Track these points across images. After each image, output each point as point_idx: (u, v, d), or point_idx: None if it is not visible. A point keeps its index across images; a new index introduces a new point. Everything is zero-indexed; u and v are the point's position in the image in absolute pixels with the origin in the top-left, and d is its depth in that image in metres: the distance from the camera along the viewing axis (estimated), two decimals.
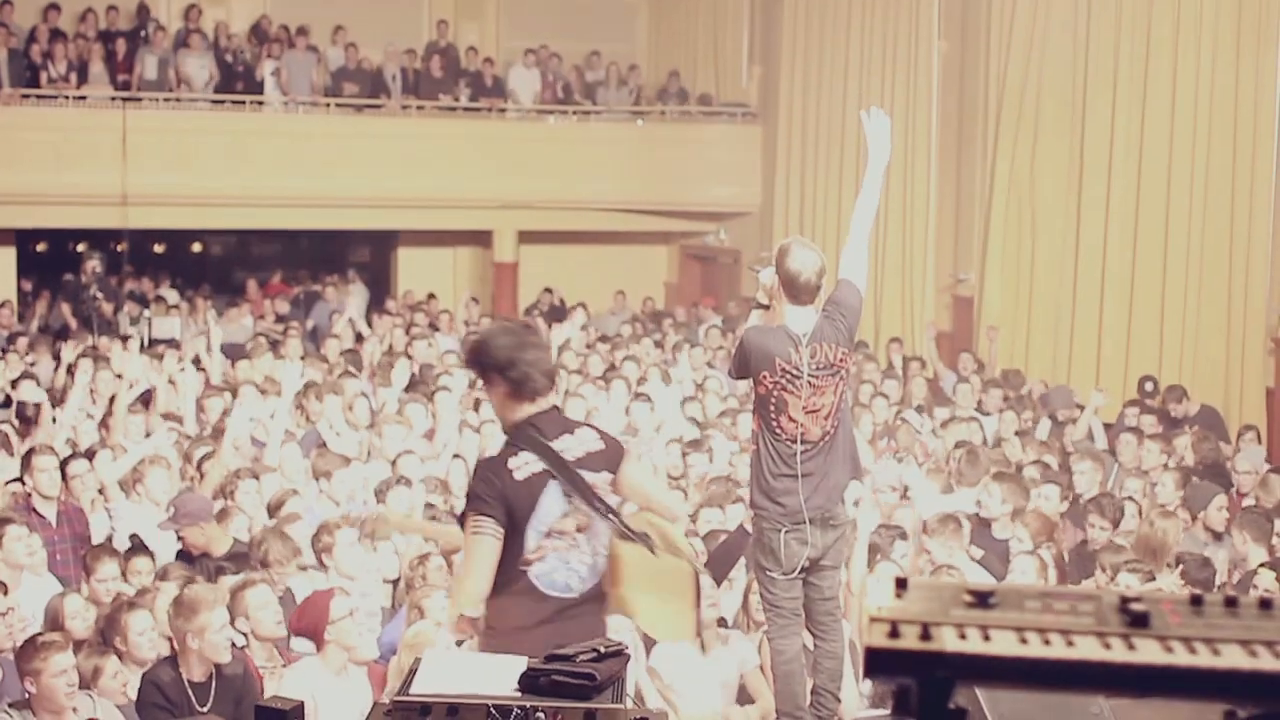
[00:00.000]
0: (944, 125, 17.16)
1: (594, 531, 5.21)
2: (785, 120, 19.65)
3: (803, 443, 6.19)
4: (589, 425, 5.47)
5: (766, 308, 6.39)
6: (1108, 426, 12.52)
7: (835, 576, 6.43)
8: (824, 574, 6.33)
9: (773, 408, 6.20)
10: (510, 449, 5.21)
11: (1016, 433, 11.64)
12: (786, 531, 6.18)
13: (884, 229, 17.40)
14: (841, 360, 6.26)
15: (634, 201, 20.91)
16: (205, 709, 5.94)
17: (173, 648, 6.18)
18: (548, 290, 20.63)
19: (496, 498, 5.10)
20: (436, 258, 22.57)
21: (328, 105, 20.15)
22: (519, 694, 4.22)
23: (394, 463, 9.62)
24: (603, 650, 4.44)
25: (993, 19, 16.00)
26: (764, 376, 6.17)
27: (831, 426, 6.27)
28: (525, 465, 5.12)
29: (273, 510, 8.39)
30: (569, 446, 5.19)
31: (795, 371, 6.14)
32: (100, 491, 8.93)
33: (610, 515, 5.23)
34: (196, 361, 13.03)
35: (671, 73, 22.16)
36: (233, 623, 6.30)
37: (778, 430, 6.20)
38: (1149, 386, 13.38)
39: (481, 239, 21.77)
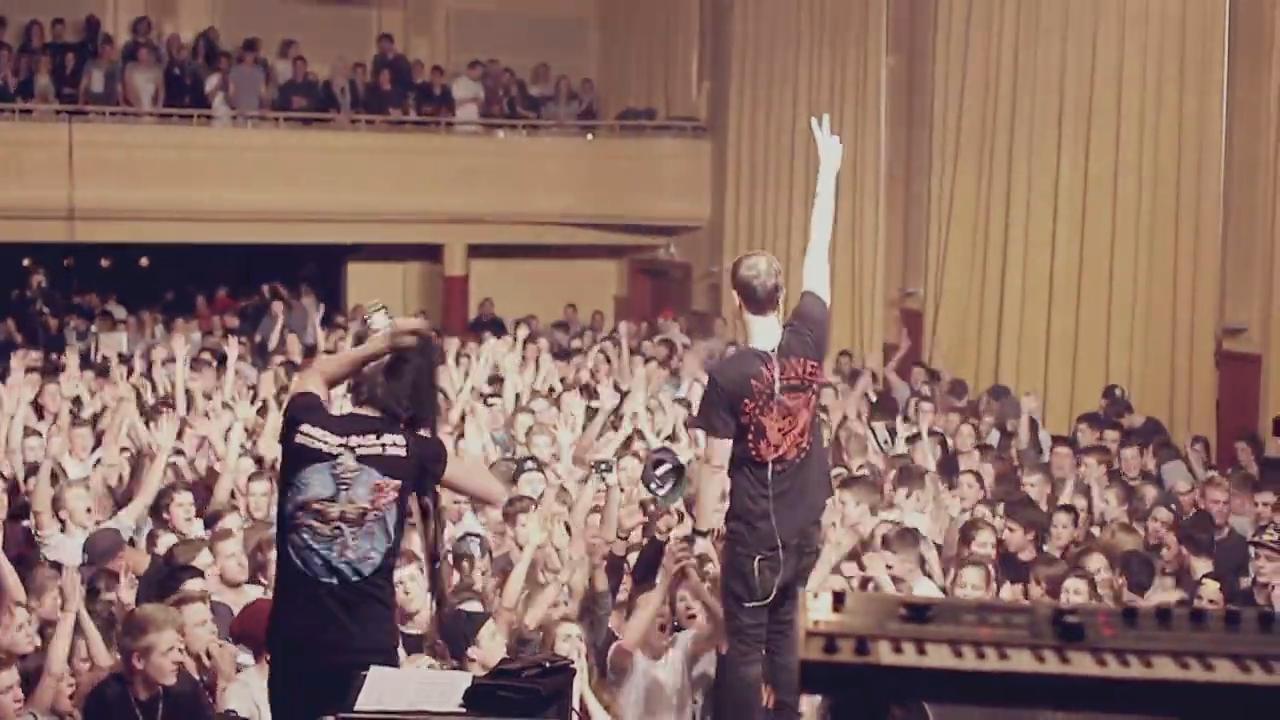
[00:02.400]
0: (892, 140, 17.24)
1: (366, 530, 5.17)
2: (735, 134, 19.70)
3: (779, 463, 6.08)
4: (405, 434, 5.35)
5: None
6: (1063, 439, 12.51)
7: (795, 599, 6.27)
8: (784, 597, 6.23)
9: (751, 434, 6.05)
10: (313, 417, 5.32)
11: (977, 446, 11.62)
12: (761, 559, 6.10)
13: (833, 244, 17.29)
14: (811, 374, 6.15)
15: (584, 215, 20.93)
16: None
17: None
18: (487, 300, 20.61)
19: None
20: (386, 272, 22.50)
21: (276, 119, 20.08)
22: (464, 710, 4.22)
23: None
24: (548, 665, 4.45)
25: (939, 36, 16.08)
26: (745, 404, 6.02)
27: (806, 444, 6.15)
28: (308, 436, 5.23)
29: (210, 523, 8.32)
30: (367, 443, 5.22)
31: (769, 391, 6.01)
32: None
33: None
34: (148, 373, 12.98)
35: (621, 87, 22.22)
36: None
37: (756, 457, 6.07)
38: (1117, 394, 13.46)
39: (431, 253, 21.73)
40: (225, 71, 19.97)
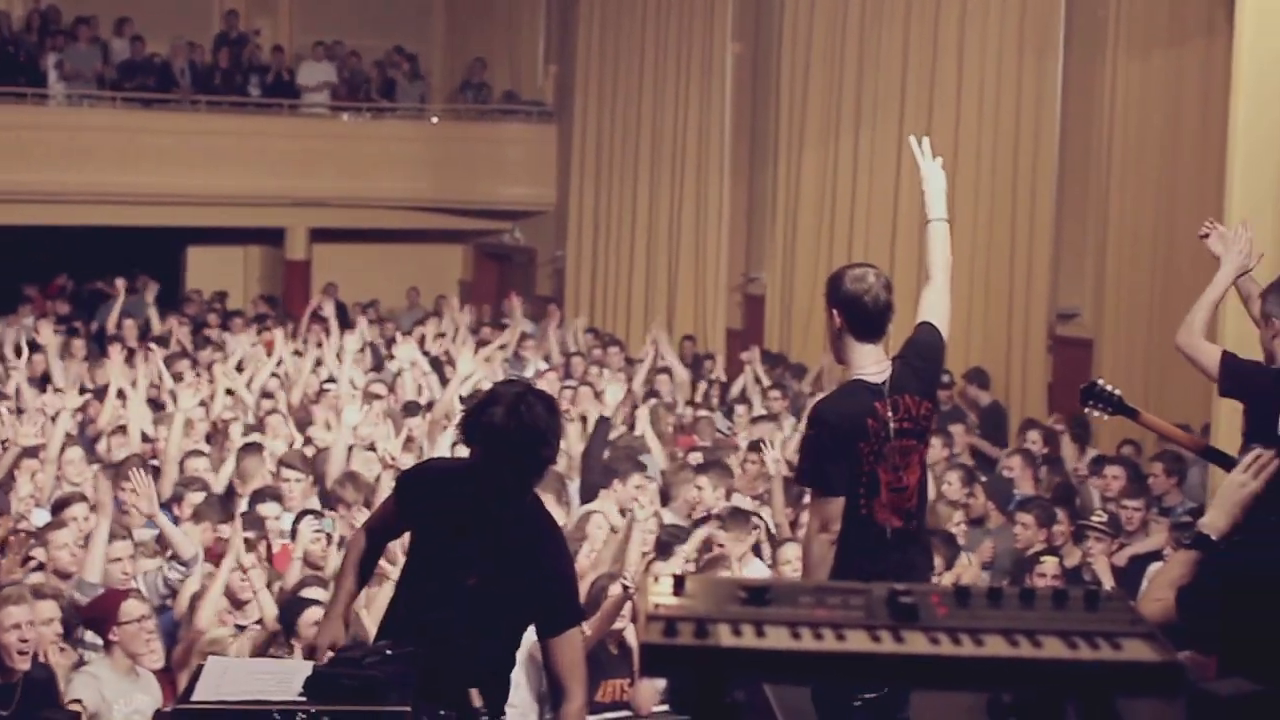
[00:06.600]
0: (736, 126, 17.36)
1: None
2: (580, 119, 19.70)
3: (885, 533, 5.00)
4: None
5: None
6: None
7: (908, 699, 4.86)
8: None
9: (864, 489, 4.98)
10: None
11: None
12: None
13: (677, 229, 17.56)
14: (926, 416, 5.15)
15: (429, 199, 20.82)
16: (6, 713, 5.74)
17: None
18: (331, 284, 20.36)
19: None
20: (226, 256, 22.20)
21: (114, 99, 19.66)
22: (304, 698, 4.17)
23: None
24: (390, 652, 4.41)
25: (785, 23, 16.25)
26: (860, 448, 4.95)
27: (915, 508, 5.11)
28: None
29: (56, 510, 8.13)
30: None
31: (883, 434, 4.98)
32: None
33: None
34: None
35: (467, 70, 22.11)
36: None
37: (865, 515, 4.98)
38: (945, 379, 13.73)
39: (273, 237, 21.45)
40: (60, 49, 19.48)
